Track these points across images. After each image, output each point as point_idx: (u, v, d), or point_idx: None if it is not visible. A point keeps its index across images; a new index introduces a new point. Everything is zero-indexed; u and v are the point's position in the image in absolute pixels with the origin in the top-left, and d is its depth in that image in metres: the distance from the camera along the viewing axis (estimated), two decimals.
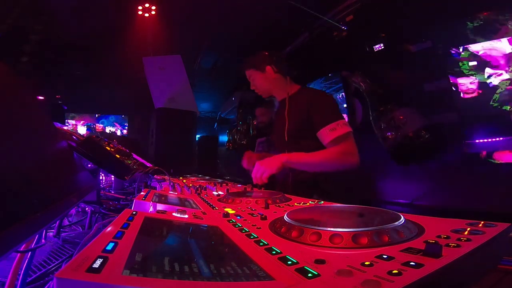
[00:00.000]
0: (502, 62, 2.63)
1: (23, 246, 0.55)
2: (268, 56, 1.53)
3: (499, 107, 2.65)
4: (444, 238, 0.39)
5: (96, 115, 7.91)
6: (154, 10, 4.53)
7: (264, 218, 0.58)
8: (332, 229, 0.42)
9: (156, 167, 1.59)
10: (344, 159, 1.22)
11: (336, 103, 1.40)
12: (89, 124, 7.80)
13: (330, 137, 1.24)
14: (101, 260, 0.28)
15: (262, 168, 1.23)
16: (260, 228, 0.52)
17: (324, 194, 1.27)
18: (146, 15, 4.57)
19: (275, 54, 1.54)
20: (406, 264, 0.31)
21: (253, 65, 1.51)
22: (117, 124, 8.05)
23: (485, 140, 2.76)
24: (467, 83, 2.85)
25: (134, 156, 1.78)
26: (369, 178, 4.03)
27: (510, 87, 2.59)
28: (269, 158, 1.26)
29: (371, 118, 3.57)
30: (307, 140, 1.32)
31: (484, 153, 2.69)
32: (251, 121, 6.31)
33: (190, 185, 1.37)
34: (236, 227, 0.52)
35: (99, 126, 7.86)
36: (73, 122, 7.65)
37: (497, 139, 2.68)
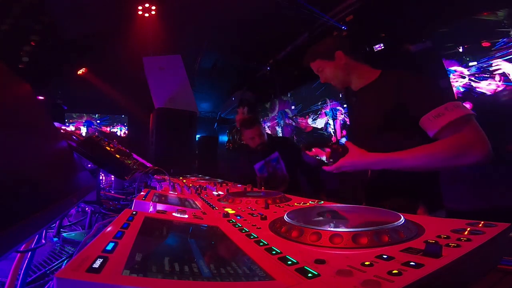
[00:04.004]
0: None
1: (23, 246, 0.55)
2: (336, 40, 1.32)
3: None
4: (444, 238, 0.39)
5: (97, 115, 7.92)
6: (154, 10, 4.53)
7: (264, 218, 0.58)
8: (332, 229, 0.42)
9: (156, 167, 1.59)
10: (461, 153, 0.86)
11: (437, 84, 1.06)
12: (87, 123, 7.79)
13: (436, 126, 0.90)
14: (101, 260, 0.28)
15: (344, 167, 1.00)
16: (260, 228, 0.52)
17: (429, 203, 1.02)
18: (146, 15, 4.58)
19: (343, 37, 1.33)
20: (406, 264, 0.31)
21: (320, 54, 1.30)
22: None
23: None
24: None
25: (134, 156, 1.78)
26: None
27: None
28: (351, 162, 0.99)
29: None
30: (392, 133, 1.03)
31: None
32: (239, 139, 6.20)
33: (190, 185, 1.37)
34: (236, 227, 0.52)
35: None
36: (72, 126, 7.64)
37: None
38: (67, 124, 7.25)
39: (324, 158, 1.13)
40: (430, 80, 1.02)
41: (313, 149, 1.25)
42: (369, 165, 0.98)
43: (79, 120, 7.74)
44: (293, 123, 5.81)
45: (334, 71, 1.27)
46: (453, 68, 2.98)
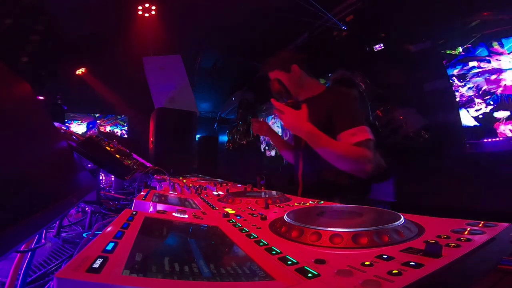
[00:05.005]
0: None
1: (23, 246, 0.55)
2: (293, 54, 1.47)
3: None
4: (444, 238, 0.39)
5: (97, 115, 7.91)
6: (154, 10, 4.53)
7: (264, 218, 0.58)
8: (332, 229, 0.42)
9: (156, 167, 1.59)
10: (361, 162, 1.14)
11: (361, 107, 1.33)
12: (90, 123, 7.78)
13: (354, 139, 1.16)
14: (101, 260, 0.28)
15: (289, 119, 1.18)
16: (260, 228, 0.52)
17: (349, 194, 1.22)
18: (146, 15, 4.58)
19: (299, 53, 1.47)
20: (406, 264, 0.31)
21: (278, 66, 1.43)
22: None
23: (486, 140, 2.76)
24: None
25: (134, 156, 1.78)
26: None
27: None
28: (293, 118, 1.18)
29: (371, 118, 3.58)
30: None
31: None
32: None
33: (190, 185, 1.37)
34: (236, 227, 0.52)
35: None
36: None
37: (499, 139, 2.68)
38: (67, 125, 7.25)
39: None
40: (356, 103, 1.30)
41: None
42: (302, 131, 1.17)
43: (80, 120, 7.74)
44: None
45: (289, 82, 1.42)
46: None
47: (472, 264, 0.33)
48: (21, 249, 0.55)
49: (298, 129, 1.17)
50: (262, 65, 1.50)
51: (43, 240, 0.70)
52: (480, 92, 2.78)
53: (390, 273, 0.29)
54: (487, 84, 2.73)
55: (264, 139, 6.36)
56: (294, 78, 1.41)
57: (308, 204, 0.78)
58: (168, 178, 1.39)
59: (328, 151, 1.16)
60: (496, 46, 2.65)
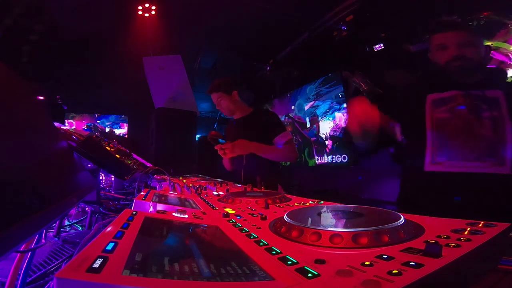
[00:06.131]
0: None
1: (23, 246, 0.55)
2: (235, 81, 1.97)
3: None
4: (444, 238, 0.39)
5: (96, 115, 7.91)
6: (154, 10, 4.53)
7: (264, 218, 0.58)
8: (332, 229, 0.42)
9: (156, 167, 1.59)
10: (292, 155, 1.84)
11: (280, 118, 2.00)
12: (89, 124, 7.79)
13: (283, 140, 1.80)
14: (101, 260, 0.28)
15: (235, 149, 1.71)
16: (260, 228, 0.52)
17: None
18: (146, 15, 4.57)
19: (239, 81, 1.90)
20: (406, 264, 0.31)
21: (221, 89, 1.90)
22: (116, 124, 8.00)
23: None
24: None
25: (134, 156, 1.78)
26: (369, 178, 4.03)
27: None
28: (241, 143, 1.71)
29: None
30: (264, 143, 1.82)
31: None
32: None
33: (190, 185, 1.37)
34: (236, 227, 0.52)
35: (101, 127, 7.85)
36: (73, 122, 7.62)
37: None
38: (69, 126, 7.24)
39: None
40: (279, 118, 1.97)
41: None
42: (253, 147, 1.74)
43: (79, 121, 7.73)
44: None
45: (229, 104, 1.92)
46: None
47: (472, 264, 0.33)
48: (21, 249, 0.55)
49: (249, 150, 1.74)
50: (209, 88, 1.96)
51: (43, 240, 0.70)
52: None
53: (390, 273, 0.29)
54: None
55: None
56: (233, 101, 1.91)
57: (308, 204, 0.78)
58: (168, 178, 1.39)
59: (271, 154, 1.79)
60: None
